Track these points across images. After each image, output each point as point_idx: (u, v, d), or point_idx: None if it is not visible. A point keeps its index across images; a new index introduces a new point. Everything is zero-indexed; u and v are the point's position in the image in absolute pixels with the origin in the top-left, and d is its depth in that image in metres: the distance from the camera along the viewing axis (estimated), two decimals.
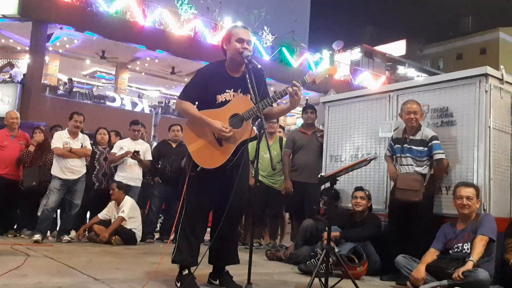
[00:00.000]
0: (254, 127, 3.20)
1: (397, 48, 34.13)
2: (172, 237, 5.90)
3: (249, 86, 3.17)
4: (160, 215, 7.05)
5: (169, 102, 21.33)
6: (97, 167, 6.36)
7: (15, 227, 6.42)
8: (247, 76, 3.19)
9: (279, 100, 3.23)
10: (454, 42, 36.46)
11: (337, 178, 3.36)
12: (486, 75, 4.27)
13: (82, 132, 6.12)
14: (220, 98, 3.25)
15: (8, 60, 18.83)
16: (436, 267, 3.74)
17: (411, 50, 35.12)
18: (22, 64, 17.84)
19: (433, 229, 4.12)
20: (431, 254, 3.88)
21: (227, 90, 3.26)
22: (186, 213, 3.24)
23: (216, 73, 3.32)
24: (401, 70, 31.09)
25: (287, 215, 6.90)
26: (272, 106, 3.23)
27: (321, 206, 5.39)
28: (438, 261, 3.83)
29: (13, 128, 6.37)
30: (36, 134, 6.46)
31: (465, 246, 3.83)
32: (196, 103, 3.31)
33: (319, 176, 3.50)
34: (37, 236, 5.48)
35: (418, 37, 36.82)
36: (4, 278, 3.20)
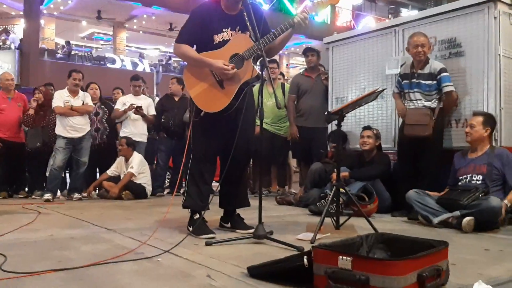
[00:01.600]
0: (256, 67, 3.08)
1: None
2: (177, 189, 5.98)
3: (248, 23, 3.02)
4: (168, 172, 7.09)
5: (169, 60, 21.03)
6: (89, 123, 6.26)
7: (26, 189, 6.47)
8: (245, 13, 3.04)
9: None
10: None
11: (345, 115, 3.27)
12: (494, 0, 4.07)
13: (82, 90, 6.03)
14: (218, 38, 3.11)
15: (3, 26, 18.55)
16: (448, 199, 3.71)
17: None
18: (18, 30, 17.54)
19: (443, 163, 4.07)
20: None
21: (224, 30, 3.12)
22: (194, 158, 3.19)
23: (212, 12, 3.16)
24: (405, 12, 30.23)
25: (293, 162, 6.89)
26: (273, 42, 3.08)
27: (328, 149, 5.35)
28: (449, 193, 3.80)
29: (9, 90, 6.25)
30: (35, 95, 6.37)
31: (476, 177, 3.80)
32: (195, 46, 3.19)
33: (325, 113, 3.41)
34: (47, 196, 5.52)
35: None
36: (16, 233, 3.22)
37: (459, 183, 3.85)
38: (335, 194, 3.37)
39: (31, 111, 6.16)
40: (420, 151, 4.15)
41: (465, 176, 3.86)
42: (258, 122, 3.25)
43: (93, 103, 6.28)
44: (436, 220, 3.64)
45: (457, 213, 3.53)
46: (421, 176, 4.14)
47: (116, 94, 6.77)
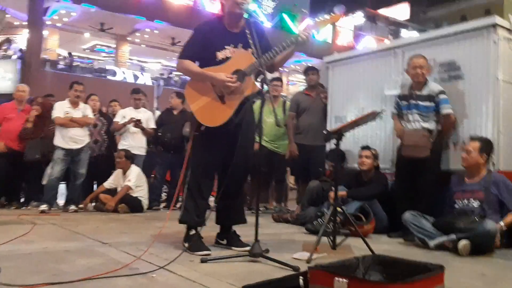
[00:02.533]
0: (257, 83, 3.10)
1: (400, 11, 33.41)
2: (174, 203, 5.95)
3: (250, 40, 3.06)
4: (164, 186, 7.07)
5: (170, 74, 21.14)
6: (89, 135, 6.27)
7: (22, 200, 6.44)
8: (247, 30, 3.08)
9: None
10: (457, 4, 35.62)
11: (343, 134, 3.28)
12: (494, 25, 4.13)
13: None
14: (220, 55, 3.15)
15: (6, 36, 18.66)
16: (444, 222, 3.71)
17: (415, 13, 34.39)
18: (21, 40, 17.63)
19: (441, 184, 4.08)
20: None
21: (226, 47, 3.16)
22: (192, 173, 3.20)
23: (215, 29, 3.21)
24: (405, 33, 30.54)
25: (291, 179, 6.89)
26: (274, 58, 3.11)
27: (326, 168, 5.35)
28: (445, 216, 3.80)
29: (21, 101, 6.34)
30: (33, 107, 6.40)
31: (473, 202, 3.80)
32: (197, 63, 3.22)
33: (324, 131, 3.42)
34: (43, 207, 5.50)
35: None
36: (10, 244, 3.20)
37: (455, 206, 3.85)
38: (333, 213, 3.36)
39: (29, 125, 6.16)
40: (418, 172, 4.16)
41: (461, 200, 3.87)
42: (257, 138, 3.26)
43: (93, 115, 6.30)
44: (432, 243, 3.62)
45: (453, 236, 3.52)
46: (418, 198, 4.13)
47: (114, 106, 6.78)
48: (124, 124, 6.21)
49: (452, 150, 4.34)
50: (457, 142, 4.31)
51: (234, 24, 3.19)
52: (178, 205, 5.88)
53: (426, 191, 4.11)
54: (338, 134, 3.21)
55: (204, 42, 3.16)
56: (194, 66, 3.16)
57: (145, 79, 19.04)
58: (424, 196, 4.11)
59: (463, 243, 3.37)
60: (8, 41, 17.00)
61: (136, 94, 6.55)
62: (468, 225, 3.49)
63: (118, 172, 6.11)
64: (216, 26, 3.23)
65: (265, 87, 2.98)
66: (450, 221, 3.68)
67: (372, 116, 3.32)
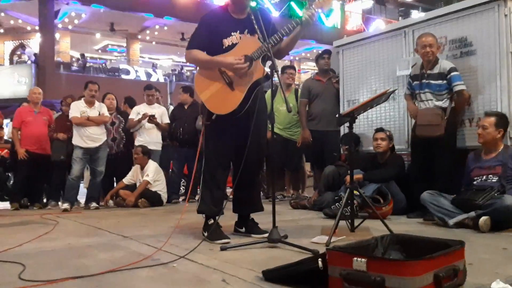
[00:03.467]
0: (266, 69, 3.10)
1: None
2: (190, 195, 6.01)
3: (256, 26, 3.05)
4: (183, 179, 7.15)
5: (182, 70, 21.24)
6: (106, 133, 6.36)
7: (45, 200, 6.58)
8: (253, 16, 3.07)
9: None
10: None
11: (356, 116, 3.27)
12: None
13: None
14: (227, 42, 3.16)
15: (20, 41, 18.96)
16: (463, 200, 3.68)
17: None
18: (34, 44, 17.90)
19: (458, 163, 4.04)
20: None
21: (233, 33, 3.17)
22: (206, 163, 3.23)
23: (220, 17, 3.24)
24: (415, 14, 30.04)
25: (307, 167, 6.89)
26: (280, 42, 3.10)
27: (341, 152, 5.34)
28: (464, 193, 3.77)
29: (36, 103, 6.44)
30: (62, 107, 6.57)
31: (492, 178, 3.75)
32: (205, 52, 3.23)
33: (336, 115, 3.41)
34: (65, 205, 5.61)
35: None
36: (34, 242, 3.28)
37: (474, 183, 3.81)
38: (349, 196, 3.37)
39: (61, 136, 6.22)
40: (434, 151, 4.12)
41: (479, 176, 3.82)
42: (270, 127, 3.26)
43: (110, 113, 6.38)
44: (451, 221, 3.61)
45: (473, 213, 3.49)
46: (435, 177, 4.10)
47: (111, 99, 6.66)
48: (139, 121, 6.28)
49: (467, 127, 4.28)
50: (472, 119, 4.25)
51: (239, 11, 3.20)
52: (196, 197, 5.96)
53: (443, 170, 4.08)
54: (351, 116, 3.19)
55: (210, 30, 3.17)
56: (202, 54, 3.17)
57: (158, 76, 19.16)
58: (441, 175, 4.08)
59: (483, 219, 3.34)
60: (22, 47, 17.26)
61: (148, 90, 6.60)
62: (488, 201, 3.46)
63: (136, 168, 6.19)
64: (221, 14, 3.25)
65: (275, 75, 2.98)
66: (469, 198, 3.64)
67: (385, 96, 3.29)
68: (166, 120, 6.51)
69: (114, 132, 6.46)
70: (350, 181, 3.39)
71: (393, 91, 3.56)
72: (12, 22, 18.31)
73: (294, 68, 6.40)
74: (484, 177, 3.80)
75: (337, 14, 22.56)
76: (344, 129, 5.44)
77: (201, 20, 3.28)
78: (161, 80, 18.86)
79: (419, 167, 4.29)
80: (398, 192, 4.42)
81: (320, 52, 6.13)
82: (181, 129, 6.47)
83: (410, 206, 4.34)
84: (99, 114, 5.91)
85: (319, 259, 2.00)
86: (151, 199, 5.94)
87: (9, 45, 19.34)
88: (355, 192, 3.52)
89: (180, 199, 6.72)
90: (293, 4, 21.59)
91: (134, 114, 6.38)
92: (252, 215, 3.42)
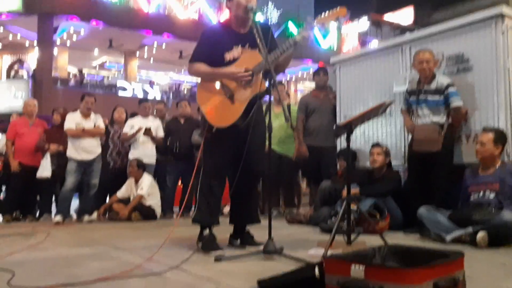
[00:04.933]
0: (266, 82, 3.11)
1: (405, 15, 33.32)
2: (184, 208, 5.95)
3: (257, 40, 3.07)
4: None
5: (179, 87, 21.32)
6: (111, 146, 6.36)
7: (37, 214, 6.49)
8: (254, 31, 3.09)
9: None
10: (462, 5, 35.41)
11: (354, 128, 3.26)
12: (501, 15, 4.08)
13: None
14: (228, 56, 3.18)
15: (18, 56, 19.02)
16: (460, 215, 3.65)
17: (420, 16, 34.28)
18: (32, 59, 17.96)
19: (455, 178, 4.02)
20: None
21: (234, 47, 3.20)
22: (204, 173, 3.21)
23: (222, 32, 3.27)
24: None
25: (303, 183, 6.85)
26: (280, 57, 3.12)
27: (338, 168, 5.31)
28: (461, 209, 3.75)
29: (31, 115, 6.41)
30: (54, 116, 6.52)
31: (489, 194, 3.72)
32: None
33: (334, 127, 3.40)
34: (57, 218, 5.52)
35: (426, 2, 35.88)
36: (25, 252, 3.22)
37: (471, 199, 3.79)
38: (346, 209, 3.33)
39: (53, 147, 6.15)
40: (430, 167, 4.10)
41: (477, 192, 3.80)
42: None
43: (118, 126, 6.41)
44: (448, 237, 3.56)
45: (470, 229, 3.45)
46: (432, 192, 4.08)
47: (120, 113, 6.71)
48: (134, 135, 6.23)
49: (464, 143, 4.27)
50: (469, 135, 4.25)
51: (241, 26, 3.23)
52: (190, 213, 5.89)
53: (440, 186, 4.05)
54: (348, 127, 3.18)
55: (212, 44, 3.20)
56: (204, 66, 3.19)
57: (154, 93, 19.20)
58: (438, 190, 4.06)
59: (481, 235, 3.30)
60: (20, 61, 17.31)
61: (145, 103, 6.59)
62: (485, 217, 3.43)
63: (130, 182, 6.12)
64: (223, 29, 3.29)
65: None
66: (466, 213, 3.61)
67: (382, 108, 3.28)
68: (161, 133, 6.47)
69: (120, 146, 6.41)
70: (346, 194, 3.35)
71: (390, 103, 3.56)
72: (11, 37, 18.38)
73: (281, 84, 6.42)
74: (482, 193, 3.77)
75: (333, 36, 22.85)
76: (340, 145, 5.43)
77: (202, 34, 3.31)
78: (158, 96, 18.91)
79: (416, 182, 4.27)
80: (395, 207, 4.38)
81: (316, 69, 6.19)
82: (177, 142, 6.43)
83: (407, 222, 4.29)
84: (95, 126, 5.87)
85: (316, 267, 1.95)
86: (145, 213, 5.86)
87: (7, 59, 19.39)
88: (352, 206, 3.48)
89: (174, 215, 6.63)
90: (290, 24, 21.86)
91: (128, 127, 6.33)
92: (248, 228, 3.38)
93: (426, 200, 4.00)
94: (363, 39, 25.51)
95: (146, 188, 5.94)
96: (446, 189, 4.04)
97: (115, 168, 6.32)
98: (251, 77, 3.07)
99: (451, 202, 3.90)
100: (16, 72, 17.57)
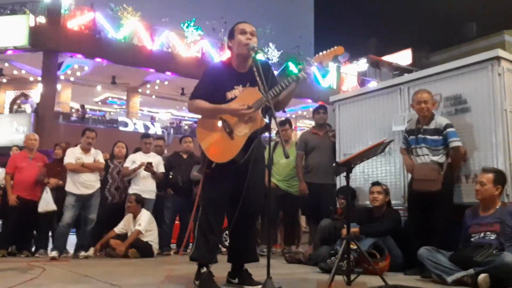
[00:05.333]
0: (265, 119, 3.14)
1: (403, 57, 33.99)
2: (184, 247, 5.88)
3: (257, 78, 3.12)
4: None
5: (180, 123, 21.48)
6: (110, 181, 6.36)
7: (33, 249, 6.41)
8: (254, 69, 3.15)
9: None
10: (459, 48, 36.14)
11: (353, 166, 3.27)
12: (498, 58, 4.18)
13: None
14: (230, 95, 3.22)
15: (22, 91, 19.26)
16: (461, 257, 3.60)
17: (418, 58, 34.95)
18: (35, 94, 18.16)
19: (455, 219, 4.00)
20: None
21: (235, 87, 3.24)
22: (203, 209, 3.20)
23: (223, 71, 3.30)
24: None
25: (303, 221, 6.80)
26: (280, 94, 3.16)
27: (337, 206, 5.29)
28: (462, 250, 3.70)
29: (31, 149, 6.44)
30: (55, 150, 6.55)
31: (491, 235, 3.70)
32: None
33: (333, 164, 3.41)
34: (53, 253, 5.46)
35: (424, 45, 36.64)
36: (19, 287, 3.15)
37: (472, 240, 3.76)
38: (346, 248, 3.29)
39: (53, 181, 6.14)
40: (430, 206, 4.09)
41: (477, 233, 3.77)
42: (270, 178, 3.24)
43: (118, 162, 6.41)
44: (450, 279, 3.50)
45: (471, 271, 3.40)
46: (432, 233, 4.04)
47: (121, 148, 6.71)
48: (135, 170, 6.25)
49: (464, 183, 4.28)
50: (469, 175, 4.26)
51: (242, 65, 3.28)
52: (188, 250, 5.83)
53: (440, 226, 4.03)
54: (348, 165, 3.19)
55: (214, 82, 3.24)
56: (205, 103, 3.21)
57: (155, 129, 19.31)
58: (439, 230, 4.02)
59: (482, 277, 3.25)
60: (25, 96, 17.54)
61: (146, 139, 6.63)
62: (486, 258, 3.39)
63: (128, 217, 6.08)
64: (225, 68, 3.33)
65: (274, 127, 3.03)
66: (467, 255, 3.57)
67: (381, 147, 3.31)
68: (162, 169, 6.48)
69: (118, 181, 6.40)
70: (346, 232, 3.33)
71: (390, 142, 3.59)
72: (15, 72, 18.65)
73: (288, 122, 6.43)
74: (482, 234, 3.74)
75: (333, 75, 23.18)
76: (340, 182, 5.43)
77: (204, 72, 3.36)
78: (159, 132, 19.00)
79: (416, 222, 4.24)
80: (395, 247, 4.34)
81: (316, 107, 6.26)
82: (179, 176, 6.43)
83: (407, 263, 4.24)
84: (94, 161, 5.89)
85: None
86: (142, 249, 5.79)
87: (11, 94, 19.62)
88: (351, 245, 3.45)
89: (172, 252, 6.55)
90: (290, 64, 22.24)
91: (129, 162, 6.36)
92: (246, 267, 3.33)
93: (426, 240, 3.97)
94: (362, 79, 25.90)
95: (144, 224, 5.89)
96: (447, 229, 4.01)
97: (113, 203, 6.30)
98: (252, 110, 3.09)
99: (452, 242, 3.87)
100: (19, 106, 17.74)
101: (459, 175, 4.31)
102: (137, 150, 6.84)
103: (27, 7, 16.90)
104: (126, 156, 6.62)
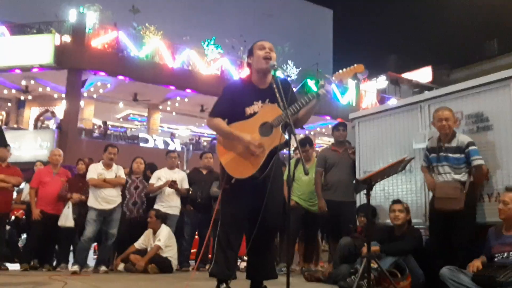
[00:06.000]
0: (285, 135, 3.16)
1: (423, 74, 33.70)
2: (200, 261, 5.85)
3: (277, 95, 3.17)
4: None
5: (199, 139, 21.66)
6: (128, 196, 6.43)
7: (54, 263, 6.50)
8: (274, 85, 3.20)
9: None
10: (480, 66, 35.71)
11: (373, 183, 3.26)
12: None
13: None
14: (249, 110, 3.26)
15: (46, 108, 19.73)
16: (484, 277, 3.54)
17: (438, 75, 34.64)
18: (59, 111, 18.58)
19: (477, 239, 3.93)
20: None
21: (255, 102, 3.28)
22: (221, 225, 3.22)
23: (243, 87, 3.36)
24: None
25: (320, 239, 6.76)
26: (299, 112, 3.20)
27: (358, 224, 5.24)
28: (484, 270, 3.63)
29: (56, 164, 6.59)
30: (78, 166, 6.71)
31: None
32: (226, 120, 3.33)
33: (353, 181, 3.40)
34: (74, 267, 5.53)
35: (444, 62, 36.35)
36: None
37: (495, 259, 3.68)
38: (366, 267, 3.27)
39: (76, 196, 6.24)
40: (453, 225, 4.03)
41: (501, 253, 3.70)
42: (291, 196, 3.26)
43: (136, 177, 6.49)
44: None
45: None
46: (454, 252, 3.98)
47: (139, 163, 6.69)
48: (160, 187, 6.32)
49: (486, 202, 4.21)
50: (491, 194, 4.19)
51: (261, 81, 3.33)
52: (207, 266, 5.83)
53: (463, 245, 3.96)
54: (368, 183, 3.18)
55: (233, 99, 3.29)
56: (223, 124, 3.26)
57: (175, 145, 19.50)
58: (461, 250, 3.96)
59: None
60: (52, 114, 17.98)
61: (172, 153, 6.74)
62: (510, 279, 3.33)
63: (148, 232, 6.14)
64: (244, 84, 3.38)
65: (293, 143, 3.05)
66: (491, 275, 3.51)
67: (402, 165, 3.29)
68: (186, 185, 6.55)
69: (136, 197, 6.48)
70: (367, 251, 3.30)
71: (411, 159, 3.56)
72: (40, 89, 19.14)
73: (307, 143, 6.22)
74: (506, 254, 3.68)
75: (352, 92, 23.15)
76: (360, 200, 5.39)
77: (224, 89, 3.41)
78: (178, 148, 19.17)
79: (438, 241, 4.17)
80: (416, 266, 4.27)
81: (336, 124, 6.26)
82: (199, 192, 6.49)
83: (429, 283, 4.17)
84: (116, 177, 5.99)
85: None
86: (161, 265, 5.82)
87: (35, 111, 20.12)
88: (372, 264, 3.42)
89: (191, 268, 6.56)
90: (309, 81, 22.30)
91: (155, 179, 6.44)
92: (265, 283, 3.32)
93: (448, 260, 3.91)
94: (382, 97, 25.77)
95: (164, 239, 5.93)
96: (469, 249, 3.94)
97: (130, 218, 6.35)
98: (268, 134, 3.12)
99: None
100: (43, 122, 18.16)
101: (481, 194, 4.24)
102: (150, 165, 6.90)
103: (53, 26, 17.43)
104: (144, 173, 6.71)
